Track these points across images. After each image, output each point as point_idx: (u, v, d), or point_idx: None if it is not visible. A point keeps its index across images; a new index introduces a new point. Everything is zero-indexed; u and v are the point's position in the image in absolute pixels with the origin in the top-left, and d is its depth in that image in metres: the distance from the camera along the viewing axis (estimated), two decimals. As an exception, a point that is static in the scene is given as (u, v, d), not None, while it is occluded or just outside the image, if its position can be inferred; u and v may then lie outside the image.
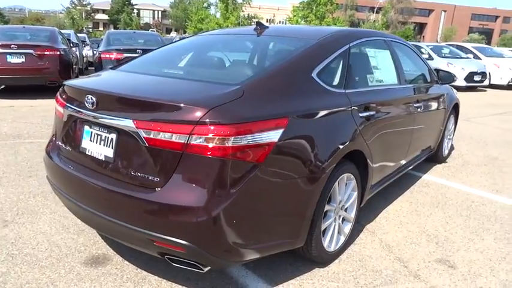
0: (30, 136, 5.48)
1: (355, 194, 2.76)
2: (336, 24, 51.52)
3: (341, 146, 2.38)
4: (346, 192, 2.66)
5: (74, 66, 9.67)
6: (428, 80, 4.10)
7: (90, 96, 2.11)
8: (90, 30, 62.11)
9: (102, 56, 8.64)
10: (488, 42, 62.17)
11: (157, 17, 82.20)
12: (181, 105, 1.88)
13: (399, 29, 58.13)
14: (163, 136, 1.88)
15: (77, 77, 10.29)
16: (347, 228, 2.77)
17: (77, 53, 11.30)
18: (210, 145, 1.82)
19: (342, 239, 2.72)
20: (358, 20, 67.14)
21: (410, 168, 3.91)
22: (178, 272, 2.45)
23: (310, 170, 2.18)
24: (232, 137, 1.83)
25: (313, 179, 2.20)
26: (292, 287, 2.38)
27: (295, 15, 51.33)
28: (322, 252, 2.49)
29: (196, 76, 2.54)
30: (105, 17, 71.99)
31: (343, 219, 2.73)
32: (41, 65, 8.19)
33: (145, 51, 8.63)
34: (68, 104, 2.33)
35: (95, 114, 2.13)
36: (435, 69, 4.26)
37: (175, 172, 1.88)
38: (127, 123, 1.97)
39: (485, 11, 77.53)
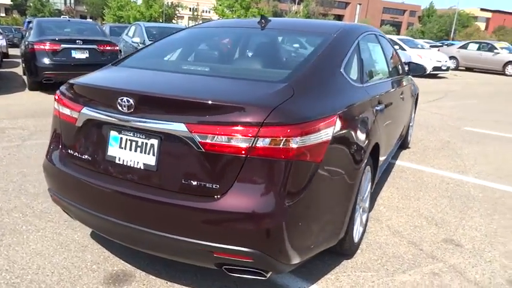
0: (-29, 142, 4.79)
1: (370, 184, 2.85)
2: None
3: (370, 140, 2.44)
4: (365, 183, 2.73)
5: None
6: (401, 71, 4.34)
7: (125, 98, 1.89)
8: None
9: (35, 47, 7.78)
10: (398, 34, 67.39)
11: (70, 3, 76.01)
12: (244, 106, 1.78)
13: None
14: (223, 140, 1.76)
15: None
16: (364, 218, 2.86)
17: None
18: (277, 147, 1.75)
19: (361, 229, 2.80)
20: (281, 10, 68.59)
21: (392, 155, 4.14)
22: (214, 281, 2.33)
23: (352, 165, 2.20)
24: (298, 138, 1.77)
25: (355, 173, 2.23)
26: (330, 281, 2.40)
27: (220, 5, 50.85)
28: (352, 244, 2.54)
29: (228, 73, 2.40)
30: (7, 1, 64.68)
31: (363, 210, 2.81)
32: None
33: (86, 42, 8.07)
34: (87, 107, 2.07)
35: (130, 118, 1.92)
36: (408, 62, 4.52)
37: (238, 177, 1.77)
38: (178, 128, 1.81)
39: (395, 5, 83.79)
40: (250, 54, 2.80)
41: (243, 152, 1.75)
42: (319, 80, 2.17)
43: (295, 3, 73.28)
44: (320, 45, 2.50)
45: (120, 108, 1.92)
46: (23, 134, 5.17)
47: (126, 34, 11.83)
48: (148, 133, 1.91)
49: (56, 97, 2.32)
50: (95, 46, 8.20)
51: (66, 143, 2.24)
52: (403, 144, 5.06)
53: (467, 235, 3.04)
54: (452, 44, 24.96)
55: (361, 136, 2.34)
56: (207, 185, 1.81)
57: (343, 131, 2.12)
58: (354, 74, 2.62)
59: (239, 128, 1.75)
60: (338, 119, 2.05)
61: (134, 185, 1.96)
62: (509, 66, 18.14)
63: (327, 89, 2.18)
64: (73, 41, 8.01)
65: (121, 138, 2.00)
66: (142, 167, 1.94)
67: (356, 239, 2.65)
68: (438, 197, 3.76)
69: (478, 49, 19.60)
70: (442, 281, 2.45)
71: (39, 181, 3.68)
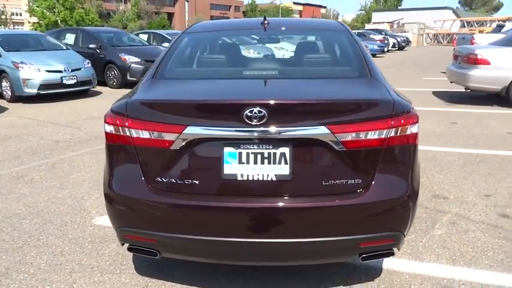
0: None
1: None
2: (88, 15, 48.24)
3: None
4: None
5: None
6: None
7: (257, 109, 1.78)
8: None
9: None
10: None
11: None
12: (374, 101, 1.91)
13: (154, 19, 59.28)
14: (363, 136, 1.85)
15: None
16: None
17: None
18: (405, 134, 1.93)
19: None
20: (107, 10, 64.59)
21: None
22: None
23: None
24: (416, 124, 1.99)
25: None
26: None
27: (38, 6, 44.85)
28: None
29: (303, 74, 2.39)
30: None
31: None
32: None
33: None
34: (195, 126, 1.84)
35: (259, 129, 1.81)
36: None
37: (378, 168, 1.90)
38: (321, 131, 1.81)
39: (220, 1, 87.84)
40: (291, 54, 2.81)
41: (381, 143, 1.88)
42: (379, 72, 2.40)
43: (122, 2, 69.95)
44: (347, 40, 2.68)
45: (247, 120, 1.79)
46: None
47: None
48: (277, 142, 1.85)
49: (118, 121, 1.97)
50: None
51: (153, 170, 1.94)
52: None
53: (443, 189, 3.73)
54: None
55: None
56: (349, 181, 1.88)
57: None
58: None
59: (376, 122, 1.86)
60: None
61: (267, 198, 1.87)
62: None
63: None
64: None
65: (240, 153, 1.87)
66: (274, 179, 1.86)
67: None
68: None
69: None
70: (462, 226, 3.02)
71: (3, 232, 2.96)
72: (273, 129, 1.81)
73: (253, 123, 1.80)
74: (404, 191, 1.94)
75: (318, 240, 1.87)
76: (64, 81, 8.50)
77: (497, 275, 2.44)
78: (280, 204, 1.86)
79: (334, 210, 1.87)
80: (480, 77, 7.30)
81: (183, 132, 1.85)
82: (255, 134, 1.82)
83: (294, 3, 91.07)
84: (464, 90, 8.06)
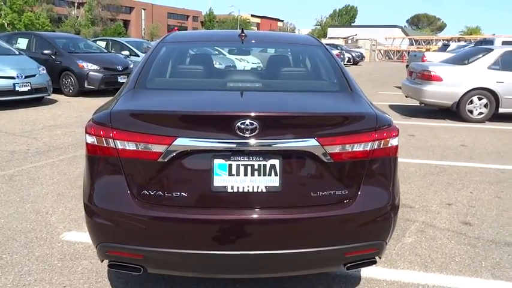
0: None
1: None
2: (38, 19, 46.21)
3: None
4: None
5: None
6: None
7: (248, 121, 1.78)
8: None
9: None
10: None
11: None
12: (360, 115, 1.98)
13: (109, 25, 57.80)
14: (350, 148, 1.91)
15: None
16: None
17: None
18: (387, 147, 2.01)
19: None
20: (58, 14, 62.16)
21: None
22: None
23: None
24: (397, 137, 2.09)
25: None
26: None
27: (-19, 8, 42.33)
28: None
29: (285, 87, 2.42)
30: None
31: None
32: None
33: None
34: (184, 138, 1.81)
35: (250, 141, 1.81)
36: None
37: (364, 180, 1.96)
38: (311, 143, 1.85)
39: (178, 10, 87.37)
40: (273, 67, 2.82)
41: (366, 155, 1.95)
42: (358, 86, 2.49)
43: (74, 7, 67.64)
44: (324, 55, 2.77)
45: (239, 132, 1.79)
46: None
47: None
48: (267, 154, 1.86)
49: (101, 132, 1.90)
50: None
51: (139, 182, 1.88)
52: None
53: (408, 198, 3.91)
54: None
55: None
56: (336, 192, 1.93)
57: None
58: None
59: (361, 135, 1.93)
60: None
61: (257, 210, 1.88)
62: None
63: None
64: None
65: (230, 165, 1.86)
66: (264, 190, 1.87)
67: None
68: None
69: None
70: (429, 234, 3.18)
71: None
72: (264, 141, 1.83)
73: (244, 135, 1.80)
74: (388, 201, 2.02)
75: (307, 251, 1.89)
76: (17, 88, 8.03)
77: (466, 279, 2.59)
78: (270, 215, 1.87)
79: (322, 221, 1.90)
80: (433, 92, 7.76)
81: (173, 143, 1.82)
82: (247, 146, 1.82)
83: (252, 15, 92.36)
84: (418, 104, 8.52)
